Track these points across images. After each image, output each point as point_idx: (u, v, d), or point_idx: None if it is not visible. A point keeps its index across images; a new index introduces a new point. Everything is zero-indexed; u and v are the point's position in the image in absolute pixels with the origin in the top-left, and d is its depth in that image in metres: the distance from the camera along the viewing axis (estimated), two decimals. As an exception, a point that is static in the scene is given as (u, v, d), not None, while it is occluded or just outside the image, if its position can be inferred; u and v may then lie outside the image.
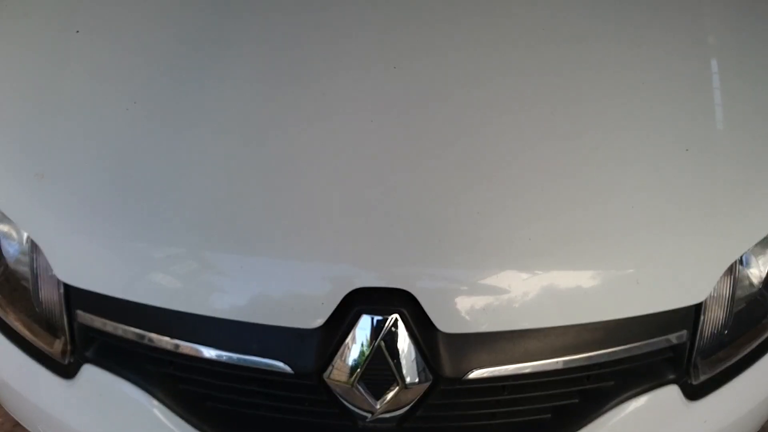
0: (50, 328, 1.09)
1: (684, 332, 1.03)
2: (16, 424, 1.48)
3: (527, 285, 0.95)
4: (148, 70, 1.15)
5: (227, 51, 1.16)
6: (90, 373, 1.05)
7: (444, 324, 0.94)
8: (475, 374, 0.96)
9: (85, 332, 1.05)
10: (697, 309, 1.03)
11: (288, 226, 0.97)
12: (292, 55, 1.15)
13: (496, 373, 0.96)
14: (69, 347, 1.06)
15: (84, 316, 1.03)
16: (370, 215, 0.97)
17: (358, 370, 0.95)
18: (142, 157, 1.04)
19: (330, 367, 0.96)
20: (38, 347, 1.09)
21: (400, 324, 0.94)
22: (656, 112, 1.12)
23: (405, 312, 0.94)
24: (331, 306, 0.93)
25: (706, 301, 1.03)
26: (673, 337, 1.03)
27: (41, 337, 1.09)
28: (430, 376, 0.96)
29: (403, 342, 0.94)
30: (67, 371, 1.07)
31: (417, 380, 0.96)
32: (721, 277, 1.02)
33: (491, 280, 0.94)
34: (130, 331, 1.01)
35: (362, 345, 0.95)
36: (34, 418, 1.15)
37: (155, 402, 1.02)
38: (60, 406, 1.08)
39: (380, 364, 0.95)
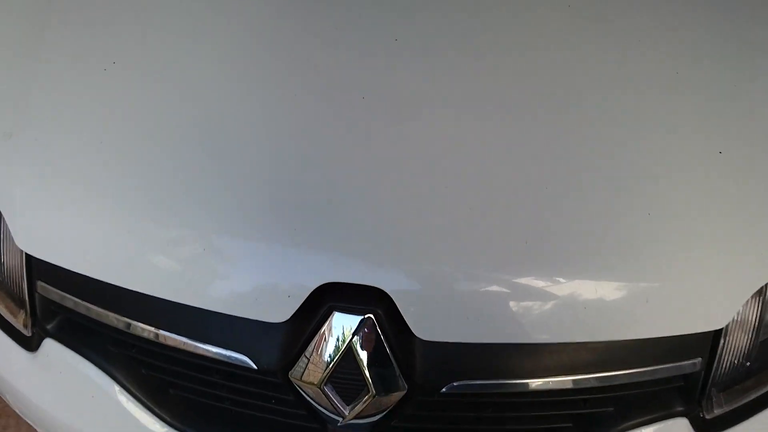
0: (14, 297, 1.04)
1: (698, 360, 0.92)
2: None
3: (518, 294, 0.84)
4: (135, 25, 1.07)
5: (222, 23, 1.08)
6: (51, 348, 1.00)
7: (421, 330, 0.84)
8: (454, 388, 0.86)
9: (46, 305, 1.00)
10: (716, 334, 0.91)
11: (252, 206, 0.88)
12: (286, 33, 1.05)
13: (478, 390, 0.87)
14: (30, 319, 1.01)
15: (45, 288, 0.98)
16: (347, 204, 0.87)
17: (327, 371, 0.87)
18: (116, 122, 0.97)
19: (295, 366, 0.88)
20: (4, 316, 1.05)
21: (375, 326, 0.85)
22: (687, 108, 1.00)
23: (380, 313, 0.85)
24: (298, 299, 0.85)
25: (728, 325, 0.90)
26: (686, 365, 0.91)
27: (8, 305, 1.04)
28: (405, 385, 0.88)
29: (377, 346, 0.86)
30: (29, 343, 1.02)
31: (390, 388, 0.87)
32: (747, 300, 0.90)
33: (477, 286, 0.84)
34: (91, 309, 0.95)
35: (331, 345, 0.87)
36: (2, 388, 1.11)
37: (116, 386, 0.97)
38: (23, 379, 1.04)
39: (351, 367, 0.87)
